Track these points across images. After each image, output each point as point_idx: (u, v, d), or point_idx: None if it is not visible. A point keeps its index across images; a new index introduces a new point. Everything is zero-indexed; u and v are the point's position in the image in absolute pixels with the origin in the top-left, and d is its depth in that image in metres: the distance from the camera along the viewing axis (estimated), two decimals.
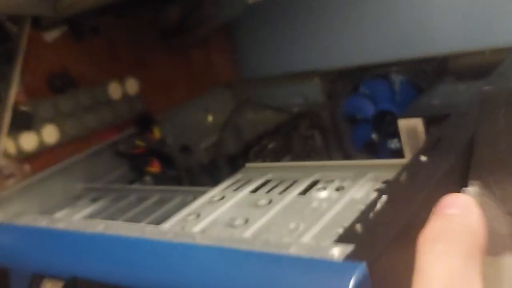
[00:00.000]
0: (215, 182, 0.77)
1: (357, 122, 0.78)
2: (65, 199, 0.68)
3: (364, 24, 0.79)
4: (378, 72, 0.72)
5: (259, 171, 0.51)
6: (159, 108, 0.82)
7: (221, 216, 0.43)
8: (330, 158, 0.83)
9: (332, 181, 0.43)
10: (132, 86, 0.77)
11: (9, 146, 0.62)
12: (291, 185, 0.45)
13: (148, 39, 0.81)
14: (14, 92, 0.60)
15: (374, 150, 0.78)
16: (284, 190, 0.44)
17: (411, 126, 0.55)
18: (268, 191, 0.45)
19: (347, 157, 0.81)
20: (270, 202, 0.43)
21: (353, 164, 0.45)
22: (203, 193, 0.57)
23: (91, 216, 0.60)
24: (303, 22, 0.85)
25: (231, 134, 0.92)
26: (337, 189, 0.42)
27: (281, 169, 0.49)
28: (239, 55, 0.94)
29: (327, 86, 0.79)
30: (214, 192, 0.48)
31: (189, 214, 0.45)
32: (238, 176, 0.51)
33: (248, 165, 0.53)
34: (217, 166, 0.83)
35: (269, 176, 0.49)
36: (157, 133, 0.77)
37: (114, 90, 0.75)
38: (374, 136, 0.76)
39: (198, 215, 0.44)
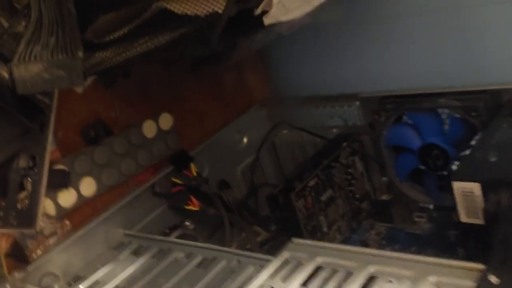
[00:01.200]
0: (255, 219, 0.76)
1: (401, 151, 0.74)
2: (106, 249, 0.67)
3: (412, 48, 0.73)
4: (424, 104, 0.68)
5: (306, 251, 0.48)
6: (194, 139, 0.80)
7: None
8: (372, 186, 0.80)
9: (390, 282, 0.41)
10: (166, 121, 0.75)
11: (48, 206, 0.62)
12: (345, 280, 0.43)
13: (179, 70, 0.78)
14: (48, 156, 0.59)
15: (419, 180, 0.75)
16: None
17: (467, 190, 0.52)
18: None
19: (390, 185, 0.78)
20: None
21: (412, 259, 0.42)
22: (247, 257, 0.56)
23: (134, 278, 0.59)
24: (344, 42, 0.80)
25: (268, 155, 0.90)
26: None
27: (331, 252, 0.47)
28: (274, 74, 0.90)
29: (368, 113, 0.75)
30: (262, 278, 0.46)
31: None
32: (285, 254, 0.49)
33: (295, 240, 0.50)
34: (256, 202, 0.81)
35: (319, 260, 0.46)
36: (193, 170, 0.75)
37: (148, 129, 0.73)
38: (420, 166, 0.73)
39: None
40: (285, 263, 0.48)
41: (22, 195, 0.59)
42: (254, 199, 0.85)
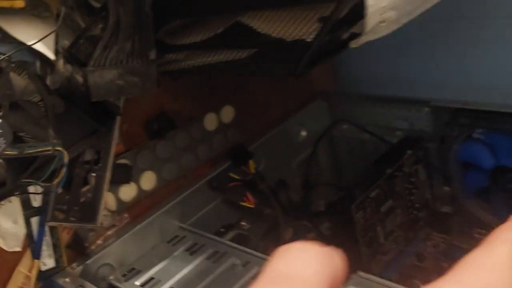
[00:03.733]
0: (311, 219, 0.74)
1: (471, 168, 0.70)
2: (161, 242, 0.67)
3: (499, 53, 0.67)
4: (505, 125, 0.64)
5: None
6: (254, 131, 0.78)
7: None
8: (433, 195, 0.77)
9: None
10: (228, 114, 0.74)
11: (109, 200, 0.62)
12: None
13: None
14: (113, 152, 0.58)
15: (486, 197, 0.71)
16: None
17: None
18: None
19: (453, 198, 0.75)
20: None
21: None
22: None
23: (189, 280, 0.59)
24: (420, 42, 0.75)
25: (325, 150, 0.88)
26: None
27: None
28: (339, 67, 0.86)
29: (439, 123, 0.71)
30: None
31: None
32: None
33: (360, 274, 0.49)
34: (312, 205, 0.79)
35: None
36: (252, 166, 0.74)
37: (210, 122, 0.72)
38: (488, 184, 0.69)
39: None
40: None
41: (85, 189, 0.59)
42: (307, 194, 0.83)
